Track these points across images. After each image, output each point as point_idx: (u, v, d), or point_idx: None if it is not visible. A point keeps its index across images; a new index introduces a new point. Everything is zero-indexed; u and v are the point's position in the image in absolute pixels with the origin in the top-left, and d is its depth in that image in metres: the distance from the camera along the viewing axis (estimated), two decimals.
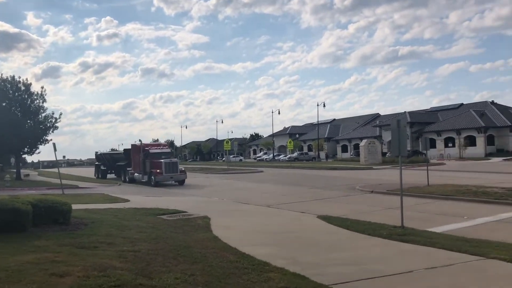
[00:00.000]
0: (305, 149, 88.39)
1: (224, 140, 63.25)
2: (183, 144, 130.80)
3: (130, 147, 36.26)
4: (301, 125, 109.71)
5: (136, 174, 32.39)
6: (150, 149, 31.43)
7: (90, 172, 55.58)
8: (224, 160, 44.98)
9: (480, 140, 61.21)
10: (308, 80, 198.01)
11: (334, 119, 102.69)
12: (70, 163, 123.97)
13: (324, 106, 73.78)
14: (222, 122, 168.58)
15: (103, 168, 41.74)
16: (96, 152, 47.89)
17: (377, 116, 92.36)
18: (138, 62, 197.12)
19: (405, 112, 74.80)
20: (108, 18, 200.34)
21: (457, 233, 10.88)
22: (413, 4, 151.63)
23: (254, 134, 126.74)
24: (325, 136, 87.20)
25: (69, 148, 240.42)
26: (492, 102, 71.69)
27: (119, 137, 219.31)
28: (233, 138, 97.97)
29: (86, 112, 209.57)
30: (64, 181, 26.46)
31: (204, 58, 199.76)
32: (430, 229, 11.37)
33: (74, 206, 12.22)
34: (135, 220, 12.58)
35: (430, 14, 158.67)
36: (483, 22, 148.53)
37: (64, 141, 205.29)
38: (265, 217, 14.50)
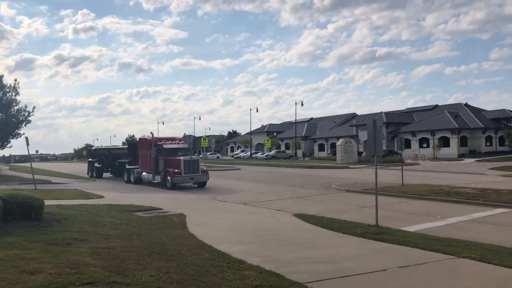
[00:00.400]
0: (283, 147, 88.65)
1: (201, 137, 62.99)
2: None
3: (130, 141, 34.28)
4: (279, 123, 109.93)
5: (144, 173, 26.91)
6: (164, 144, 25.90)
7: (65, 167, 54.50)
8: (201, 157, 42.18)
9: (454, 141, 62.48)
10: (287, 78, 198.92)
11: (312, 118, 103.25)
12: (43, 158, 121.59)
13: (302, 104, 74.00)
14: (200, 118, 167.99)
15: (98, 165, 35.26)
16: (90, 147, 43.21)
17: (354, 115, 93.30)
18: (115, 56, 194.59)
19: (381, 112, 75.77)
20: (85, 11, 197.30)
21: (430, 232, 11.08)
22: (391, 5, 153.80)
23: (232, 132, 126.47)
24: (303, 135, 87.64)
25: (43, 143, 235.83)
26: (466, 104, 73.22)
27: (95, 132, 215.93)
28: (210, 135, 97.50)
29: (61, 106, 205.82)
30: (36, 176, 25.89)
31: (183, 54, 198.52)
32: (404, 228, 11.56)
33: (47, 202, 11.97)
34: (110, 216, 12.41)
35: (407, 16, 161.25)
36: (458, 25, 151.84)
37: (37, 135, 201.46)
38: (241, 215, 14.49)
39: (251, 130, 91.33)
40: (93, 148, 41.65)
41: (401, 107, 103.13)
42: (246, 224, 12.61)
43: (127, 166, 29.55)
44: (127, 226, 10.93)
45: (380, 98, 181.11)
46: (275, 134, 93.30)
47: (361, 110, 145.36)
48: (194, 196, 20.44)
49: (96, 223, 11.05)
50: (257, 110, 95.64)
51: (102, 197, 18.57)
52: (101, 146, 42.83)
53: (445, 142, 62.32)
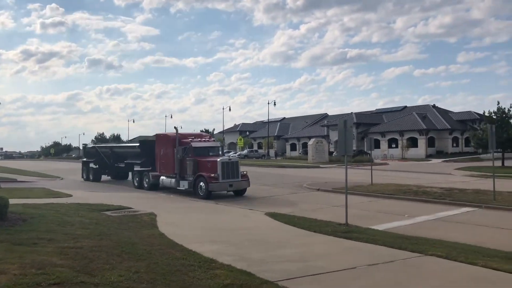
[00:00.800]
0: (255, 147, 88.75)
1: None
2: (130, 139, 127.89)
3: (143, 138, 31.01)
4: (251, 122, 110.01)
5: (163, 178, 21.88)
6: (192, 141, 20.89)
7: (31, 165, 53.14)
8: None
9: (422, 142, 63.90)
10: (260, 78, 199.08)
11: (284, 118, 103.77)
12: (8, 156, 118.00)
13: (274, 104, 74.38)
14: (172, 117, 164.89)
15: (94, 166, 29.81)
16: (85, 145, 34.71)
17: (325, 116, 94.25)
18: (85, 53, 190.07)
19: (351, 113, 76.77)
20: (53, 5, 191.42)
21: (398, 231, 11.30)
22: (362, 8, 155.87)
23: (204, 130, 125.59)
24: (275, 134, 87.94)
25: (8, 140, 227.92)
26: (434, 106, 75.03)
27: (63, 129, 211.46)
28: None
29: (27, 102, 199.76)
30: (0, 174, 25.13)
31: (154, 51, 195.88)
32: (373, 227, 11.76)
33: (11, 201, 11.60)
34: (78, 216, 12.16)
35: (378, 18, 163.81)
36: (427, 29, 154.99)
37: (1, 133, 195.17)
38: (213, 214, 14.44)
39: (224, 129, 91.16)
40: (89, 145, 34.25)
41: (371, 108, 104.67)
42: (218, 223, 12.58)
43: (139, 168, 24.44)
44: (96, 225, 10.73)
45: (350, 99, 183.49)
46: (247, 133, 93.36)
47: (332, 111, 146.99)
48: (164, 195, 20.26)
49: (64, 222, 10.81)
50: (229, 109, 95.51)
51: (70, 195, 18.17)
52: (95, 143, 34.44)
53: (413, 143, 63.68)
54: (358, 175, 27.64)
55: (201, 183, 19.09)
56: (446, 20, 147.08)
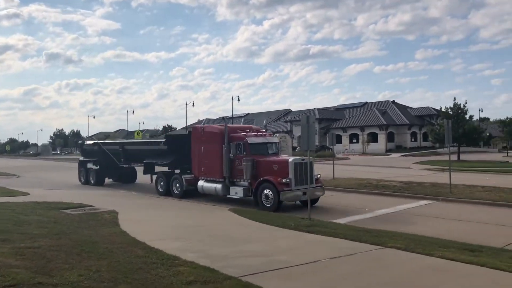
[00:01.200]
0: None
1: (135, 131, 61.35)
2: (90, 135, 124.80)
3: (170, 133, 28.26)
4: (215, 118, 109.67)
5: (203, 183, 17.13)
6: (247, 136, 16.14)
7: None
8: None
9: (382, 137, 65.45)
10: (223, 73, 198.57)
11: (248, 113, 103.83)
12: None
13: (238, 100, 74.64)
14: (133, 112, 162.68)
15: (95, 167, 24.77)
16: (82, 142, 28.59)
17: (288, 111, 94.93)
18: (42, 46, 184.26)
19: (314, 108, 77.69)
20: None
21: (359, 224, 11.56)
22: (324, 5, 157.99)
23: (167, 126, 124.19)
24: None
25: None
26: (393, 102, 76.92)
27: (19, 125, 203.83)
28: (144, 130, 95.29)
29: None
30: None
31: (115, 46, 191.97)
32: (335, 221, 11.97)
33: None
34: (35, 214, 11.78)
35: (340, 15, 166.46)
36: (387, 26, 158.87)
37: None
38: (176, 211, 14.31)
39: (187, 125, 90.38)
40: (88, 141, 28.15)
41: (333, 103, 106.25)
42: (182, 219, 12.47)
43: (167, 170, 19.86)
44: (54, 224, 10.43)
45: (313, 94, 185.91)
46: None
47: (295, 106, 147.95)
48: (126, 192, 19.90)
49: (20, 221, 10.44)
50: (193, 105, 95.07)
51: (27, 194, 17.57)
52: (110, 140, 27.81)
53: (373, 138, 65.15)
54: (320, 169, 27.89)
55: (267, 191, 14.52)
56: (405, 18, 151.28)
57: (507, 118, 58.28)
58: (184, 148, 18.38)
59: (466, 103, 44.10)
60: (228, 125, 16.92)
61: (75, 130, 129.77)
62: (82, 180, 25.10)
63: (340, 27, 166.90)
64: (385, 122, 65.13)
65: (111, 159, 23.26)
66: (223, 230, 10.73)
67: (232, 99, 74.61)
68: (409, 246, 8.46)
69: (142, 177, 22.95)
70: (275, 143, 17.16)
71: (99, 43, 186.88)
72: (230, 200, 16.06)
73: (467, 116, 44.07)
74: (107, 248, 7.94)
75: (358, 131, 67.68)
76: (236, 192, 15.75)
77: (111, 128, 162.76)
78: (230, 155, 15.89)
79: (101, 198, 16.84)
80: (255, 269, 6.88)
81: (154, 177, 20.36)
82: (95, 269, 6.42)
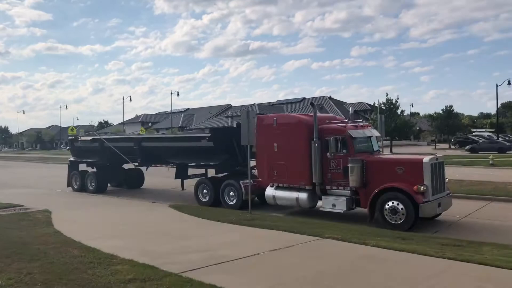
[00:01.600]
0: None
1: (68, 127, 58.85)
2: (19, 131, 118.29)
3: (217, 127, 22.59)
4: (154, 113, 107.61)
5: (276, 190, 12.91)
6: (347, 127, 12.18)
7: None
8: (68, 149, 29.67)
9: None
10: (162, 67, 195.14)
11: (188, 109, 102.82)
12: None
13: (178, 95, 73.51)
14: (67, 107, 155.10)
15: (95, 170, 19.51)
16: (73, 137, 21.45)
17: (229, 107, 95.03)
18: None
19: (254, 104, 78.34)
20: None
21: (297, 216, 11.80)
22: (263, 0, 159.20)
23: (103, 122, 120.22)
24: (179, 125, 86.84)
25: None
26: (330, 97, 79.26)
27: None
28: (79, 125, 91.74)
29: None
30: None
31: (46, 38, 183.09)
32: (275, 213, 12.17)
33: None
34: None
35: (278, 12, 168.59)
36: (324, 23, 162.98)
37: None
38: (114, 208, 13.91)
39: (124, 120, 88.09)
40: (83, 137, 20.87)
41: (273, 99, 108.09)
42: (119, 217, 12.15)
43: (201, 173, 16.18)
44: None
45: (253, 90, 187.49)
46: (150, 124, 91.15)
47: (236, 102, 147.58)
48: (59, 191, 19.07)
49: None
50: (130, 99, 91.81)
51: None
52: (89, 134, 21.45)
53: None
54: None
55: (394, 204, 10.68)
56: (341, 15, 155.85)
57: (435, 112, 61.85)
58: (232, 146, 14.50)
59: (398, 98, 46.20)
60: (308, 114, 13.28)
61: (3, 126, 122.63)
62: (75, 186, 19.52)
63: (279, 23, 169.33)
64: None
65: (118, 159, 18.31)
66: (163, 226, 10.58)
67: (172, 93, 73.54)
68: (345, 236, 8.78)
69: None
70: (378, 136, 13.55)
71: (28, 35, 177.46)
72: (172, 196, 15.81)
73: (399, 111, 46.27)
74: (40, 249, 7.61)
75: None
76: (334, 203, 11.73)
77: (43, 124, 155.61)
78: (332, 153, 11.71)
79: (33, 197, 16.01)
80: (196, 265, 6.86)
81: (182, 182, 16.31)
82: (26, 272, 6.14)
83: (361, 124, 12.88)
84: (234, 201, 13.91)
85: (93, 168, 19.70)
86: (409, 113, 69.33)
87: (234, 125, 16.34)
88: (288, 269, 6.77)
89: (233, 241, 8.75)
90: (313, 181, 11.97)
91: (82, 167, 19.86)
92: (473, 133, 60.42)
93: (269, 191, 13.01)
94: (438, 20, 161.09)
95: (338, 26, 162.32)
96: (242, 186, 13.55)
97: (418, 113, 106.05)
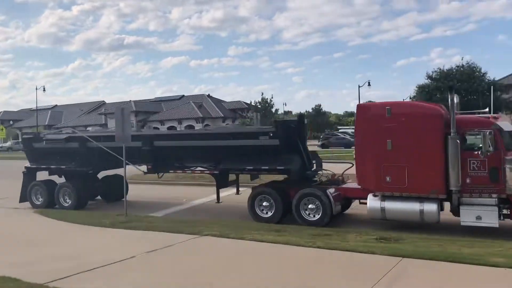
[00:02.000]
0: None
1: None
2: None
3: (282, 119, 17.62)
4: (16, 110, 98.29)
5: (388, 201, 9.96)
6: (495, 119, 9.85)
7: None
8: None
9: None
10: (25, 60, 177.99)
11: (56, 105, 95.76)
12: None
13: (44, 90, 67.51)
14: None
15: (72, 180, 14.08)
16: (31, 136, 15.88)
17: (102, 103, 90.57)
18: None
19: (130, 101, 75.70)
20: None
21: (176, 216, 11.73)
22: None
23: None
24: (46, 124, 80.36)
25: None
26: (209, 95, 79.82)
27: None
28: None
29: None
30: None
31: None
32: (152, 214, 11.91)
33: None
34: None
35: (154, 7, 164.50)
36: (201, 21, 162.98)
37: None
38: None
39: None
40: (49, 135, 15.94)
41: (150, 96, 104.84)
42: None
43: (253, 180, 13.57)
44: None
45: (129, 86, 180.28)
46: (11, 122, 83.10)
47: (110, 98, 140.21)
48: None
49: None
50: None
51: None
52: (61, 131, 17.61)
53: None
54: None
55: None
56: (217, 14, 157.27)
57: (306, 111, 65.94)
58: (297, 144, 11.31)
59: (272, 97, 48.62)
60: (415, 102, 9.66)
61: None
62: (38, 202, 14.24)
63: (155, 19, 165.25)
64: (201, 115, 67.13)
65: (105, 164, 14.29)
66: (27, 234, 9.69)
67: (37, 89, 67.47)
68: (224, 232, 8.91)
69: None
70: None
71: None
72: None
73: (273, 110, 48.36)
74: None
75: (176, 124, 68.30)
76: (479, 215, 9.24)
77: None
78: (486, 151, 9.16)
79: None
80: (64, 273, 6.40)
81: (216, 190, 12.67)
82: None
83: (495, 116, 10.57)
84: (317, 216, 10.57)
85: (60, 176, 14.82)
86: (283, 112, 72.79)
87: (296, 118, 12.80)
88: (166, 270, 6.67)
89: (107, 246, 8.37)
90: (450, 188, 9.40)
91: (43, 175, 14.86)
92: (339, 130, 65.62)
93: (374, 202, 10.08)
94: (308, 24, 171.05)
95: (215, 25, 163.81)
96: (331, 196, 10.47)
97: (291, 112, 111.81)
